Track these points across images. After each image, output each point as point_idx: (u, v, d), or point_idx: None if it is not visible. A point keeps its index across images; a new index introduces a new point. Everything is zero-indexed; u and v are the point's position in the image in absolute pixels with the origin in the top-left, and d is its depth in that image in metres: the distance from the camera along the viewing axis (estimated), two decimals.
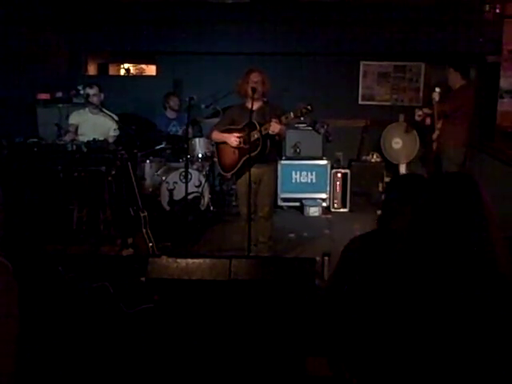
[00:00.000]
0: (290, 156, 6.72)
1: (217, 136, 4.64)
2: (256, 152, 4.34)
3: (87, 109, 5.70)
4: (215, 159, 5.00)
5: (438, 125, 5.60)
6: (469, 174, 1.57)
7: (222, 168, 4.72)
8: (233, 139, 4.47)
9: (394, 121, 6.94)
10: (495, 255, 1.45)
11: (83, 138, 5.41)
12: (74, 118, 5.73)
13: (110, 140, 5.45)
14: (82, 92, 5.84)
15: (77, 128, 5.68)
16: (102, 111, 5.56)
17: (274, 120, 4.28)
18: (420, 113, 5.82)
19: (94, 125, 5.61)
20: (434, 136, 5.64)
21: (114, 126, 5.56)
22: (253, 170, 4.35)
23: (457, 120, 5.52)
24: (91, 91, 5.59)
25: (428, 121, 5.75)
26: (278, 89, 4.88)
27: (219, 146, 4.68)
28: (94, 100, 5.57)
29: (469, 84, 5.74)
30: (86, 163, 4.94)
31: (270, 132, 4.29)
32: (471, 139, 5.82)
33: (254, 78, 4.42)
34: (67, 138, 5.49)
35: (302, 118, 4.79)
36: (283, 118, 4.30)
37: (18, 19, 6.66)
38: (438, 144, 5.63)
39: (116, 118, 5.49)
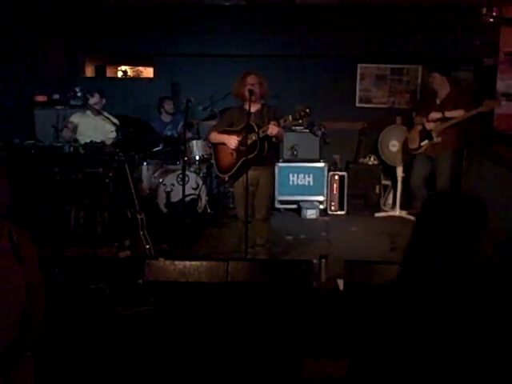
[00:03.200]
0: (287, 158, 6.72)
1: (215, 137, 4.60)
2: (253, 154, 4.33)
3: (88, 111, 5.74)
4: (212, 161, 4.99)
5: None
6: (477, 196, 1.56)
7: (219, 169, 4.70)
8: (232, 142, 4.45)
9: (391, 123, 6.94)
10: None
11: (82, 138, 5.42)
12: (76, 118, 5.77)
13: (108, 142, 5.45)
14: (79, 94, 5.84)
15: (75, 127, 5.70)
16: (104, 115, 5.56)
17: (272, 122, 4.28)
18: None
19: (95, 126, 5.65)
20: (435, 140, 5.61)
21: (113, 128, 5.57)
22: (250, 172, 4.34)
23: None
24: (92, 100, 5.62)
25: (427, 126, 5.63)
26: (275, 91, 4.88)
27: (217, 147, 4.65)
28: (96, 107, 5.59)
29: (455, 86, 5.68)
30: (84, 165, 4.95)
31: (269, 134, 4.29)
32: (468, 142, 5.82)
33: (251, 80, 4.41)
34: (64, 134, 5.49)
35: (300, 121, 4.78)
36: (281, 121, 4.29)
37: (15, 21, 6.67)
38: (432, 146, 5.59)
39: (117, 122, 5.50)
